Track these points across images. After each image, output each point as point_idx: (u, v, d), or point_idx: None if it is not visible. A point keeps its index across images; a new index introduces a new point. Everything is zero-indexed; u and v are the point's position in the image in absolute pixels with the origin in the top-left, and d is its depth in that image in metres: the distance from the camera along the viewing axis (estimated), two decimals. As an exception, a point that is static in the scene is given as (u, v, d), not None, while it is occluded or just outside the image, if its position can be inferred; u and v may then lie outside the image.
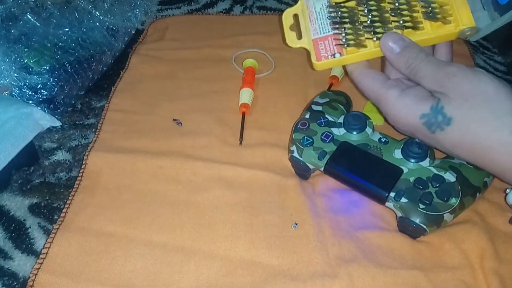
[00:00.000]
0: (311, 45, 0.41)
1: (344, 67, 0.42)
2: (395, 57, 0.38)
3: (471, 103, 0.34)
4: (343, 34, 0.39)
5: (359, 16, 0.40)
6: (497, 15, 0.37)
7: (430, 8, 0.38)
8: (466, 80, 0.34)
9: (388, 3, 0.39)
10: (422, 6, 0.39)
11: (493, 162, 0.35)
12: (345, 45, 0.39)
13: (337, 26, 0.40)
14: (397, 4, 0.39)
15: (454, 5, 0.38)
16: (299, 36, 0.42)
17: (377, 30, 0.39)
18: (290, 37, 0.42)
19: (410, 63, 0.37)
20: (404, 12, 0.39)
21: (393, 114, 0.37)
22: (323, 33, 0.40)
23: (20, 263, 0.39)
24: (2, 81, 0.48)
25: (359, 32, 0.39)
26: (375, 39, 0.39)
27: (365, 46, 0.39)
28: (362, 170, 0.40)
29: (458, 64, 0.36)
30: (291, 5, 0.70)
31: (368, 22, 0.39)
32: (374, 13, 0.39)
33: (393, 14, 0.39)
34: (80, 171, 0.46)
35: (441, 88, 0.35)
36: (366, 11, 0.39)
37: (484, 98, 0.34)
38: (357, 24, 0.39)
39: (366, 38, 0.39)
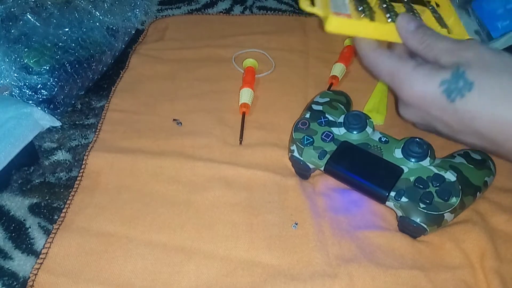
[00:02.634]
0: (327, 13, 0.38)
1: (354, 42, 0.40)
2: (410, 34, 0.36)
3: (492, 72, 0.32)
4: (361, 8, 0.38)
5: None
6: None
7: (438, 15, 0.40)
8: (486, 51, 0.33)
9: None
10: (431, 10, 0.40)
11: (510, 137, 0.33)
12: (363, 14, 0.38)
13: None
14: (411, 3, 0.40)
15: (455, 24, 0.40)
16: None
17: (392, 13, 0.39)
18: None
19: (425, 39, 0.36)
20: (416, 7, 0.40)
21: (409, 84, 0.35)
22: (338, 10, 0.38)
23: (20, 263, 0.39)
24: (2, 81, 0.48)
25: (374, 11, 0.39)
26: (390, 20, 0.38)
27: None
28: (362, 169, 0.39)
29: (474, 39, 0.35)
30: (291, 5, 0.71)
31: (384, 6, 0.39)
32: (392, 3, 0.40)
33: (406, 6, 0.40)
34: (80, 171, 0.46)
35: (461, 58, 0.33)
36: None
37: (506, 67, 0.33)
38: (374, 4, 0.39)
39: (386, 14, 0.39)
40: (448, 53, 0.34)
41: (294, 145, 0.43)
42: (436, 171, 0.38)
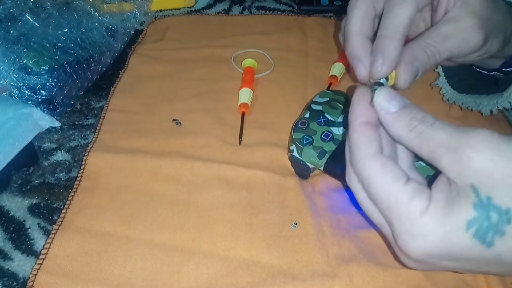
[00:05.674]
0: None
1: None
2: (393, 117, 0.26)
3: None
4: None
5: None
6: None
7: None
8: (505, 144, 0.23)
9: None
10: None
11: None
12: None
13: None
14: None
15: None
16: None
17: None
18: None
19: (415, 125, 0.25)
20: None
21: (422, 242, 0.24)
22: None
23: (20, 263, 0.39)
24: (1, 82, 0.48)
25: None
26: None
27: None
28: (361, 169, 0.39)
29: (482, 129, 0.24)
30: (289, 5, 0.71)
31: None
32: None
33: None
34: (80, 172, 0.46)
35: (475, 171, 0.23)
36: None
37: None
38: None
39: None
40: (451, 154, 0.24)
41: (294, 145, 0.43)
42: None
